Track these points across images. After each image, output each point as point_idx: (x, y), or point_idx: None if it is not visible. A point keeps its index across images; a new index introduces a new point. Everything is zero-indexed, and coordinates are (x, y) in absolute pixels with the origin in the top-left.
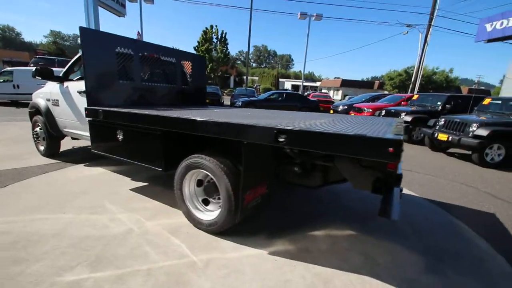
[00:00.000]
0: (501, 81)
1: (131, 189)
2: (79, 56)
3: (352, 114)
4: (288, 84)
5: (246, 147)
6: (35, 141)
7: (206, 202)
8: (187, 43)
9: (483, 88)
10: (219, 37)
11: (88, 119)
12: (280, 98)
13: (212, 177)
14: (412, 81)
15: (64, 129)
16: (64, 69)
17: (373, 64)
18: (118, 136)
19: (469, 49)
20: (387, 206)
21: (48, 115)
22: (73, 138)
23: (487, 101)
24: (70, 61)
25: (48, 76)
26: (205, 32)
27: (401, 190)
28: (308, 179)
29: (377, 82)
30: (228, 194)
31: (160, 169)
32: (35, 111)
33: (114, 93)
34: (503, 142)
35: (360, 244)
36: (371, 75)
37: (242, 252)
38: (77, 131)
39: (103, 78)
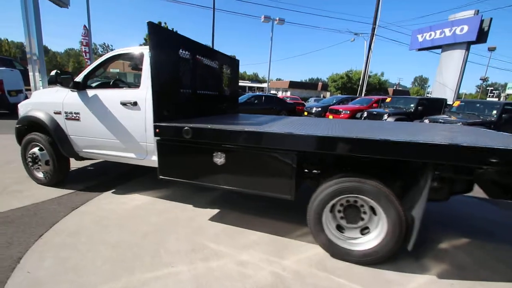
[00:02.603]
0: (412, 83)
1: (210, 220)
2: (107, 59)
3: (330, 117)
4: None
5: (428, 167)
6: (29, 166)
7: (339, 229)
8: (134, 38)
9: (401, 89)
10: None
11: (156, 138)
12: (256, 101)
13: (374, 202)
14: (360, 84)
15: (85, 150)
16: (83, 74)
17: (311, 66)
18: (216, 160)
19: (391, 55)
20: None
21: (58, 132)
22: (78, 159)
23: (456, 103)
24: None
25: (69, 82)
26: None
27: None
28: (441, 193)
29: (320, 84)
30: (399, 219)
31: (289, 197)
32: (28, 126)
33: (180, 105)
34: None
35: (484, 253)
36: (309, 76)
37: (417, 282)
38: (111, 152)
39: (170, 87)
